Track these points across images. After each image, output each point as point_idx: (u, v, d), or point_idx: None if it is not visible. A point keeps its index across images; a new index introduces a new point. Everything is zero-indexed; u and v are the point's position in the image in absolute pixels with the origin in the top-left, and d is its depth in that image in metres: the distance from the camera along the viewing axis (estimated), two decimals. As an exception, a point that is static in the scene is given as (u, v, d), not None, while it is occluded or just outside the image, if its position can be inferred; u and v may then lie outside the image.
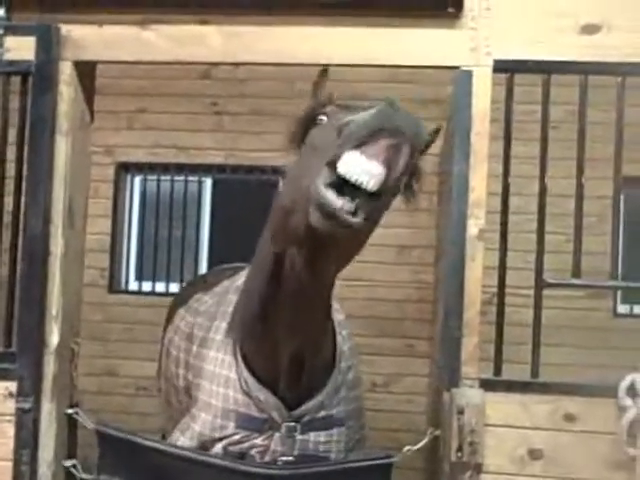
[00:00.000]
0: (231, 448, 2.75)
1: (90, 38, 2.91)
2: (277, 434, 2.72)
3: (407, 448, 2.81)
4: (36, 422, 2.81)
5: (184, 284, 5.01)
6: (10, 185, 2.91)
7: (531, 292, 2.81)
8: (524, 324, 2.94)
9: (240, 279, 3.04)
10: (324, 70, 2.72)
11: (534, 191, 2.86)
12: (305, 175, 2.25)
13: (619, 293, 5.77)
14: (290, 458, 2.72)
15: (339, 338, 2.93)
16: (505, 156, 2.86)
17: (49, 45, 2.86)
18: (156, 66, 3.42)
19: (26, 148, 2.89)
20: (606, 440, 2.64)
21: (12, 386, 2.80)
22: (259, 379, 2.73)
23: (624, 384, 2.63)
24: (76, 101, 2.97)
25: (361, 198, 2.11)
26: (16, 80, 2.90)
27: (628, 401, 2.61)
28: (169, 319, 3.68)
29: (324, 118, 2.46)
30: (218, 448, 2.76)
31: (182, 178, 6.38)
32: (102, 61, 3.18)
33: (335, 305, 2.92)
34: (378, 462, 2.79)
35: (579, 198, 2.83)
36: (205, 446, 2.78)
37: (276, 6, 2.89)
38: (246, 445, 2.74)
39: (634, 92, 2.83)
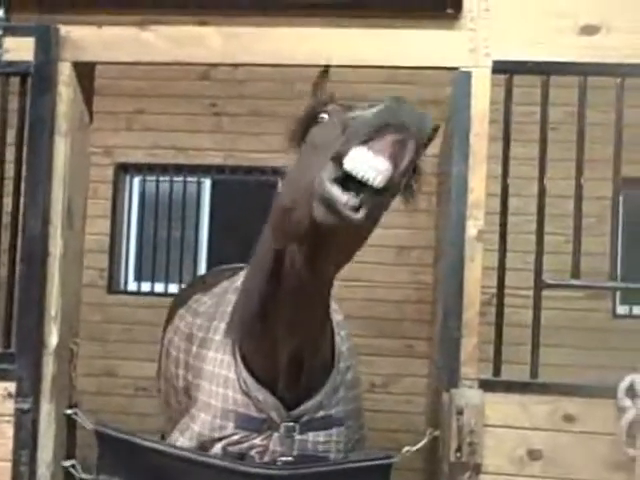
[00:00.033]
0: (230, 448, 2.74)
1: (89, 39, 2.91)
2: (276, 434, 2.72)
3: (406, 448, 2.81)
4: (35, 423, 2.81)
5: (183, 285, 5.01)
6: (9, 186, 2.90)
7: (530, 293, 2.81)
8: (523, 325, 2.94)
9: (239, 279, 3.04)
10: (324, 71, 2.71)
11: (533, 192, 2.86)
12: (308, 171, 2.24)
13: (618, 294, 5.78)
14: (289, 458, 2.72)
15: (338, 338, 2.92)
16: (504, 157, 2.86)
17: (48, 46, 2.86)
18: (155, 67, 3.41)
19: (25, 149, 2.88)
20: (605, 441, 2.64)
21: (11, 387, 2.80)
22: (258, 379, 2.72)
23: (623, 385, 2.63)
24: (75, 102, 2.97)
25: (365, 194, 2.10)
26: (15, 81, 2.89)
27: (627, 402, 2.61)
28: (169, 320, 3.68)
29: (325, 116, 2.46)
30: (217, 448, 2.75)
31: (181, 179, 6.38)
32: (101, 62, 3.17)
33: (334, 305, 2.92)
34: (377, 462, 2.79)
35: (578, 199, 2.83)
36: (204, 446, 2.78)
37: (275, 7, 2.89)
38: (245, 445, 2.74)
39: (633, 93, 2.84)
